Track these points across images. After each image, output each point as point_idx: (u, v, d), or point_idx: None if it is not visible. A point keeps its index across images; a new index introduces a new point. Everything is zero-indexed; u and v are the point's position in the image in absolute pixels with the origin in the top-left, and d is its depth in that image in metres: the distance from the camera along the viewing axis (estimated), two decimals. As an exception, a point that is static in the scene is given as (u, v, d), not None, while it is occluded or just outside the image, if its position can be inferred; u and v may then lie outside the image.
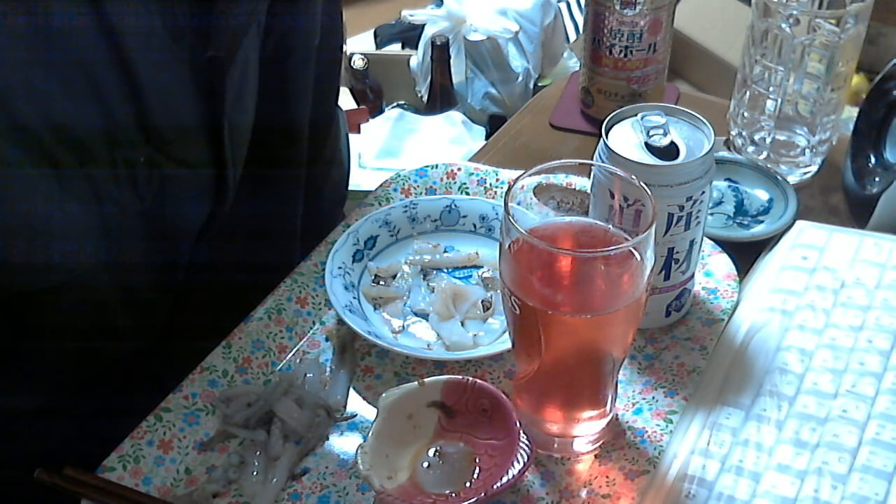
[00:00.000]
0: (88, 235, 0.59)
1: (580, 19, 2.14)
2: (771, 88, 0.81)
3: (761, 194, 0.82)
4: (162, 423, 0.62)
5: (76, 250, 0.59)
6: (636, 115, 0.62)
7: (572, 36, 2.12)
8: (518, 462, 0.55)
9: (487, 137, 1.59)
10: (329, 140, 0.84)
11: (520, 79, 1.91)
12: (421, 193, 0.81)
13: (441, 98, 1.94)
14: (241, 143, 0.69)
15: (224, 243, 0.71)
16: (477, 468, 0.58)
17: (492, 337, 0.69)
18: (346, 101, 1.92)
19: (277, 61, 0.70)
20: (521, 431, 0.56)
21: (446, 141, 1.80)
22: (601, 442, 0.61)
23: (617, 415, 0.62)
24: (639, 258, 0.52)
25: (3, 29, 0.50)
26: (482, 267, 0.75)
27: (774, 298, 0.68)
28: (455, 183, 0.81)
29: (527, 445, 0.56)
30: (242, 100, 0.67)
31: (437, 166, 0.82)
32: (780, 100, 0.81)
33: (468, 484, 0.57)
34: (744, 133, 0.86)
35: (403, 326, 0.70)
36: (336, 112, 0.86)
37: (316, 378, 0.66)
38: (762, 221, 0.79)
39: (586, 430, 0.60)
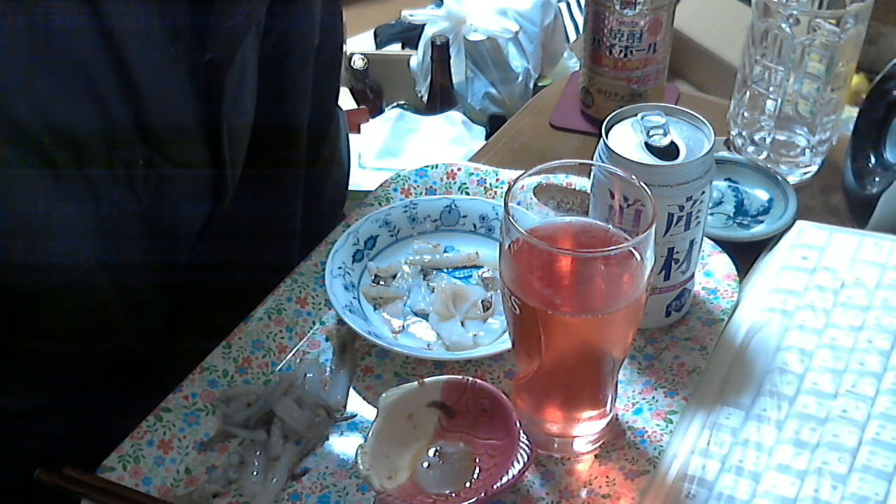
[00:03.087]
0: (87, 236, 0.59)
1: (580, 19, 2.14)
2: (771, 88, 0.81)
3: (761, 194, 0.82)
4: (162, 423, 0.62)
5: (75, 250, 0.59)
6: (636, 115, 0.62)
7: (572, 36, 2.12)
8: (518, 462, 0.55)
9: (487, 137, 1.59)
10: (329, 140, 0.84)
11: (520, 79, 1.91)
12: (421, 193, 0.81)
13: (441, 98, 1.94)
14: (239, 144, 0.69)
15: (223, 243, 0.71)
16: (477, 468, 0.58)
17: (492, 337, 0.69)
18: (346, 101, 1.92)
19: (277, 61, 0.70)
20: (521, 431, 0.56)
21: (446, 141, 1.80)
22: (601, 442, 0.61)
23: (617, 415, 0.62)
24: (639, 258, 0.52)
25: (2, 29, 0.50)
26: (482, 267, 0.75)
27: (774, 298, 0.68)
28: (455, 183, 0.81)
29: (527, 445, 0.56)
30: (241, 100, 0.67)
31: (437, 166, 0.82)
32: (780, 100, 0.81)
33: (468, 484, 0.57)
34: (744, 133, 0.86)
35: (403, 326, 0.70)
36: (336, 112, 0.86)
37: (316, 378, 0.66)
38: (762, 221, 0.79)
39: (586, 430, 0.60)
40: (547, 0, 1.97)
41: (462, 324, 0.70)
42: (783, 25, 0.77)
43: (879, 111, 0.79)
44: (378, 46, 2.15)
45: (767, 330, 0.66)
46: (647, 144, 0.61)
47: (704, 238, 0.68)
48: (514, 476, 0.55)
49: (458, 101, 1.96)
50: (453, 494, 0.56)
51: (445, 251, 0.76)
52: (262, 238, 0.75)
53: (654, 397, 0.63)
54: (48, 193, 0.55)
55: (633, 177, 0.55)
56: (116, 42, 0.55)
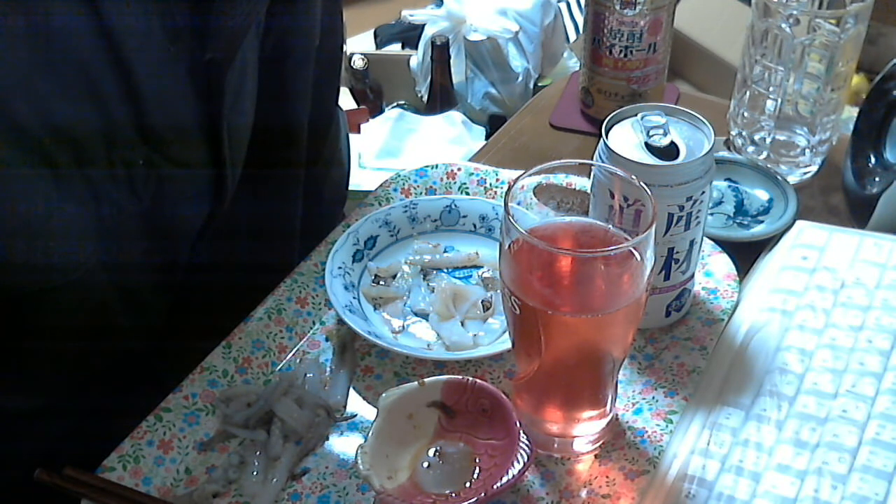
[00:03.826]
0: (87, 236, 0.59)
1: (580, 19, 2.14)
2: (771, 88, 0.81)
3: (761, 194, 0.82)
4: (162, 423, 0.62)
5: (75, 251, 0.59)
6: (636, 115, 0.62)
7: (572, 36, 2.12)
8: (518, 462, 0.55)
9: (487, 137, 1.59)
10: (329, 140, 0.84)
11: (520, 79, 1.91)
12: (421, 193, 0.81)
13: (441, 98, 1.94)
14: (239, 144, 0.69)
15: (223, 243, 0.71)
16: (477, 468, 0.58)
17: (492, 337, 0.69)
18: (346, 101, 1.92)
19: (277, 61, 0.70)
20: (521, 431, 0.56)
21: (446, 141, 1.80)
22: (601, 442, 0.61)
23: (617, 415, 0.62)
24: (639, 258, 0.52)
25: (2, 29, 0.50)
26: (482, 267, 0.75)
27: (774, 298, 0.68)
28: (455, 183, 0.81)
29: (527, 445, 0.56)
30: (241, 100, 0.67)
31: (437, 166, 0.82)
32: (780, 100, 0.81)
33: (468, 484, 0.57)
34: (744, 133, 0.86)
35: (403, 326, 0.70)
36: (336, 112, 0.86)
37: (316, 378, 0.66)
38: (762, 221, 0.79)
39: (586, 430, 0.60)
40: (547, 0, 1.97)
41: (462, 324, 0.70)
42: (783, 25, 0.77)
43: (879, 111, 0.79)
44: (378, 46, 2.15)
45: (767, 330, 0.66)
46: (647, 144, 0.61)
47: (704, 238, 0.68)
48: (514, 476, 0.55)
49: (458, 101, 1.95)
50: (453, 494, 0.56)
51: (445, 251, 0.76)
52: (262, 238, 0.75)
53: (654, 397, 0.63)
54: (48, 193, 0.55)
55: (633, 177, 0.55)
56: (116, 42, 0.55)
